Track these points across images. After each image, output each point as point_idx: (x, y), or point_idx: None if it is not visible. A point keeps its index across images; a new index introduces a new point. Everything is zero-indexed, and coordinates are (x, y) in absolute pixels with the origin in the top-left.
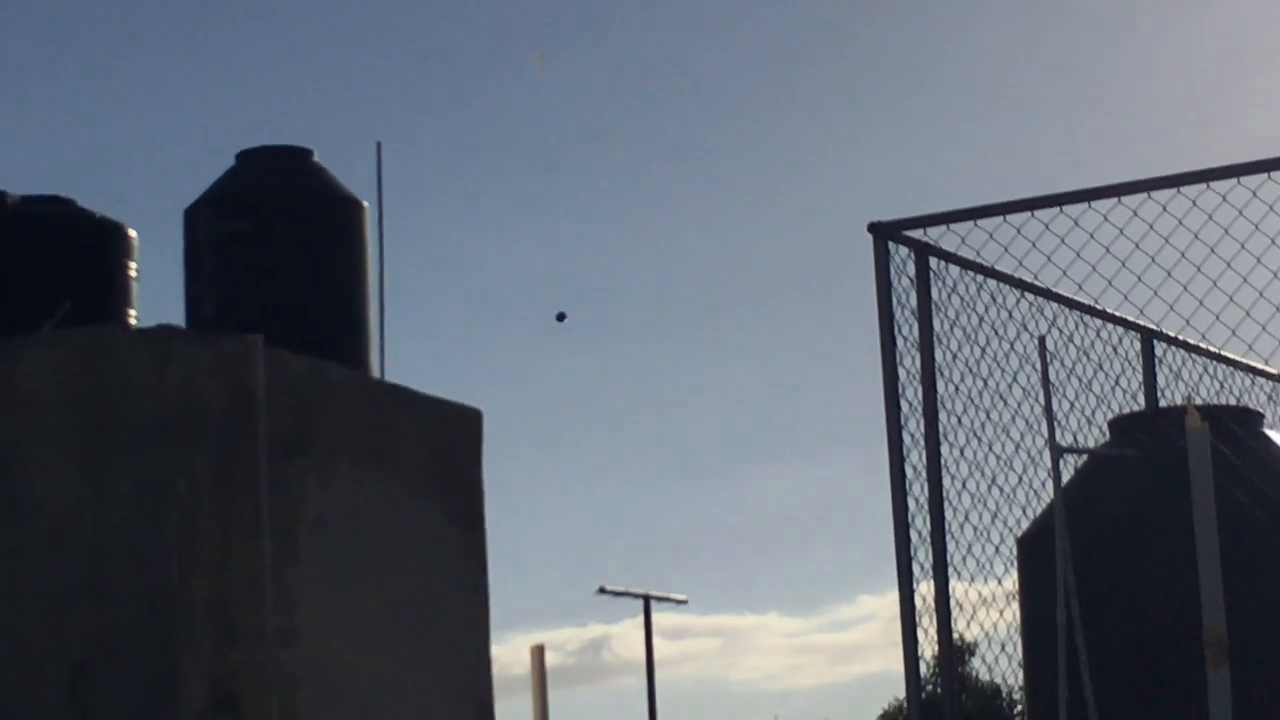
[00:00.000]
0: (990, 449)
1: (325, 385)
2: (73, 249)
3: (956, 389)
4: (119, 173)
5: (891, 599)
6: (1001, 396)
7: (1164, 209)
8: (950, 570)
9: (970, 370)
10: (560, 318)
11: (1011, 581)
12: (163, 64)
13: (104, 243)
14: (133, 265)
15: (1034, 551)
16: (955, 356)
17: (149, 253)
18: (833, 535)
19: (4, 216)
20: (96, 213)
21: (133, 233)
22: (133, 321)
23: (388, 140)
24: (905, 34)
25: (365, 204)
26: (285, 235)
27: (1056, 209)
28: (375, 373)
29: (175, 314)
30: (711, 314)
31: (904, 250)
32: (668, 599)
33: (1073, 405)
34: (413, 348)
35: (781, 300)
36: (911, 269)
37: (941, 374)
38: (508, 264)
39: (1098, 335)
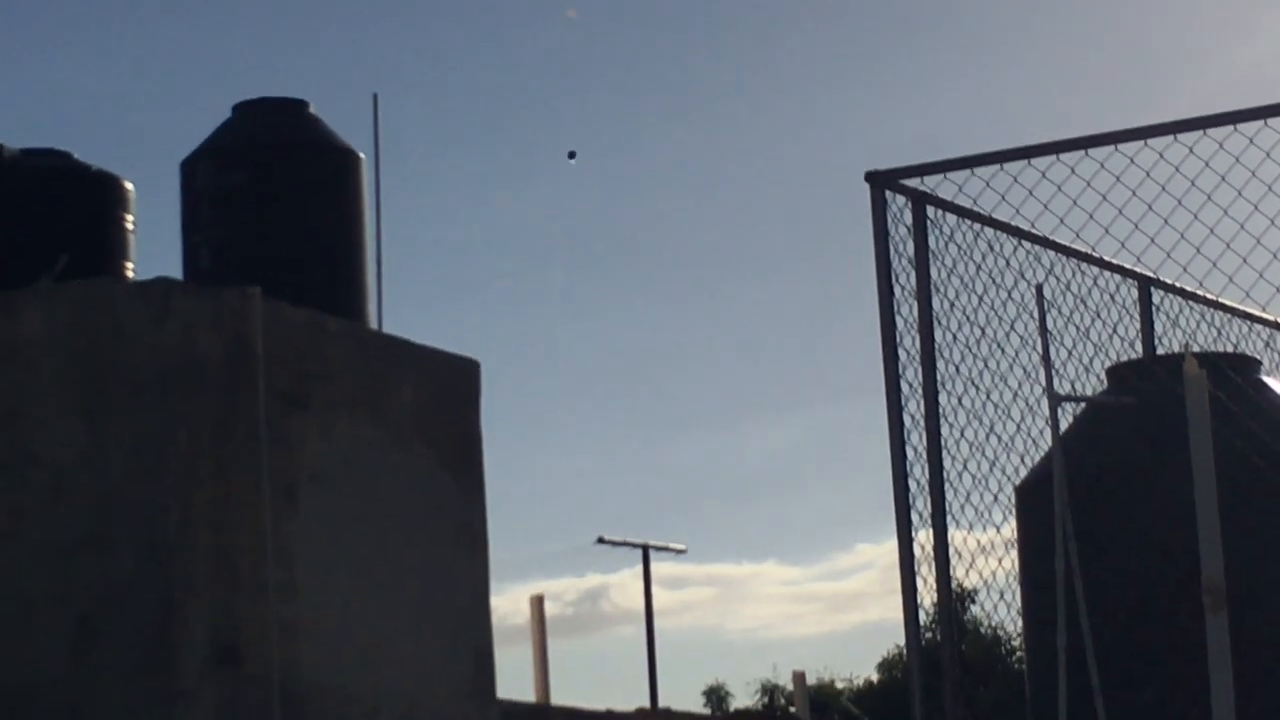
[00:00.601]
0: (988, 397)
1: (323, 337)
2: (70, 201)
3: (954, 337)
4: (115, 125)
5: (889, 547)
6: (999, 345)
7: (1160, 156)
8: (949, 519)
9: (968, 318)
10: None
11: (1010, 529)
12: (159, 15)
13: (101, 195)
14: (130, 218)
15: (1032, 500)
16: (953, 305)
17: (146, 205)
18: (830, 484)
19: (1, 170)
20: (93, 165)
21: (129, 185)
22: (130, 274)
23: (384, 91)
24: None
25: (362, 155)
26: (282, 187)
27: (1053, 156)
28: (373, 324)
29: (173, 267)
30: (710, 264)
31: (901, 199)
32: (666, 548)
33: (1070, 353)
34: (410, 299)
35: (779, 250)
36: (909, 217)
37: (939, 322)
38: (506, 215)
39: (1095, 283)
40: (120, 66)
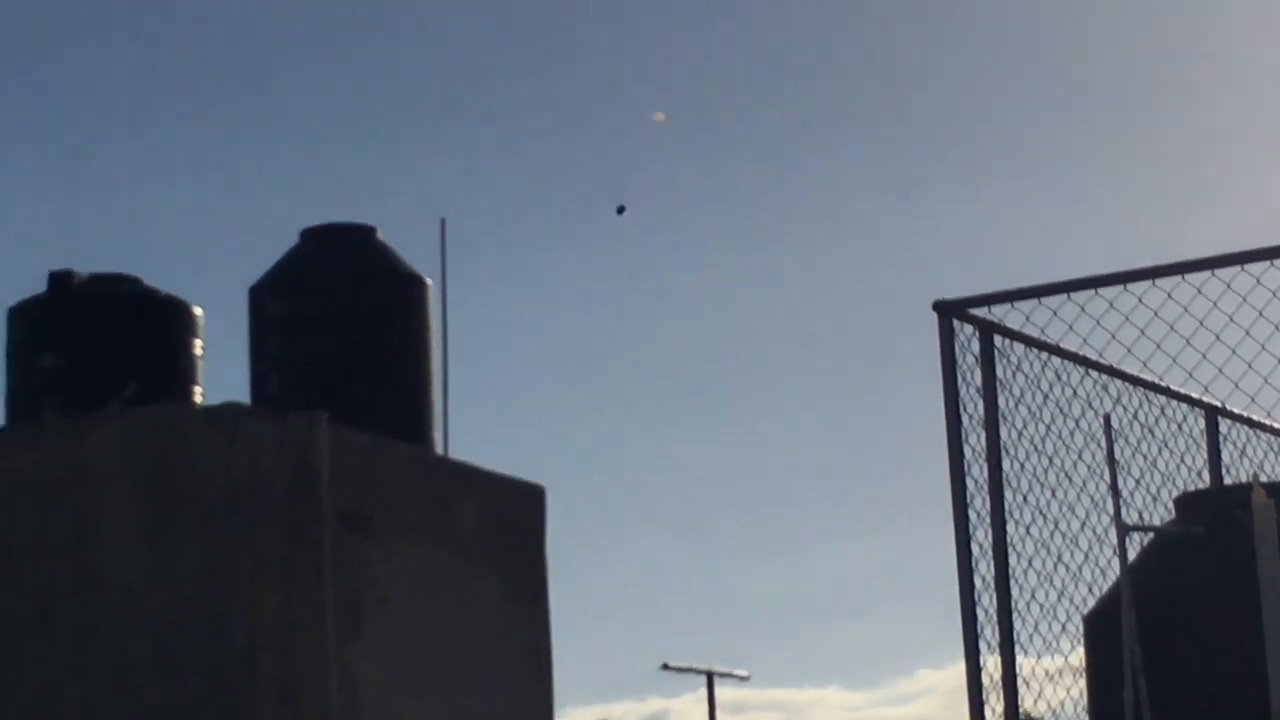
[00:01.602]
0: (1056, 527)
1: (389, 462)
2: (139, 327)
3: (1022, 466)
4: (184, 250)
5: (951, 673)
6: (1067, 474)
7: (1228, 286)
8: (1017, 647)
9: (1035, 448)
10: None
11: (1078, 658)
12: (227, 141)
13: (170, 320)
14: (198, 342)
15: (1100, 629)
16: (1020, 434)
17: (214, 330)
18: (893, 609)
19: (71, 294)
20: (162, 290)
21: (198, 310)
22: (199, 399)
23: (452, 216)
24: (967, 112)
25: (429, 280)
26: (349, 312)
27: (1120, 287)
28: (438, 449)
29: (240, 391)
30: (776, 389)
31: (969, 328)
32: (730, 675)
33: (1138, 483)
34: (476, 423)
35: (846, 376)
36: (976, 347)
37: (1007, 452)
38: (571, 339)
39: (1162, 412)
40: (188, 191)
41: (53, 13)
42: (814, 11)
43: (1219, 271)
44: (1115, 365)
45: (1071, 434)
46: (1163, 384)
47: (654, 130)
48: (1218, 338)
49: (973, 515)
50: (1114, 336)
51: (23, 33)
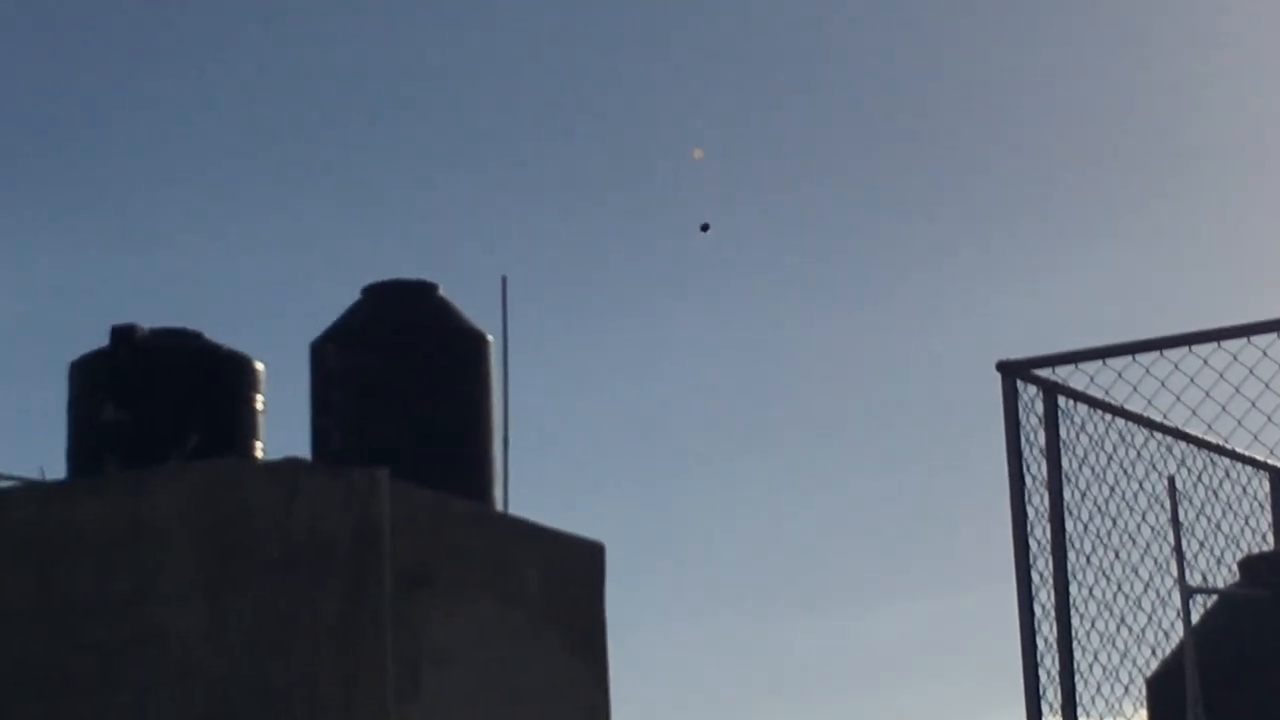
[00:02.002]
0: (1119, 588)
1: (449, 518)
2: (200, 381)
3: (1085, 528)
4: (247, 305)
5: None
6: (1130, 536)
7: None
8: (1079, 709)
9: (1099, 509)
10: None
11: None
12: (289, 197)
13: (231, 375)
14: (260, 397)
15: (1164, 691)
16: (1084, 495)
17: (276, 385)
18: (956, 670)
19: (133, 349)
20: (224, 345)
21: (260, 365)
22: (260, 454)
23: (514, 273)
24: (1032, 172)
25: (490, 337)
26: (410, 369)
27: (1185, 349)
28: (499, 505)
29: (301, 446)
30: (839, 448)
31: (1032, 389)
32: None
33: (1202, 545)
34: (537, 480)
35: (910, 437)
36: (1040, 407)
37: (1070, 513)
38: (632, 396)
39: (1227, 475)
40: (251, 246)
41: (114, 65)
42: (875, 75)
43: None
44: (1180, 427)
45: (1135, 496)
46: (1228, 446)
47: (717, 192)
48: None
49: (1035, 576)
50: (1179, 398)
51: (85, 86)
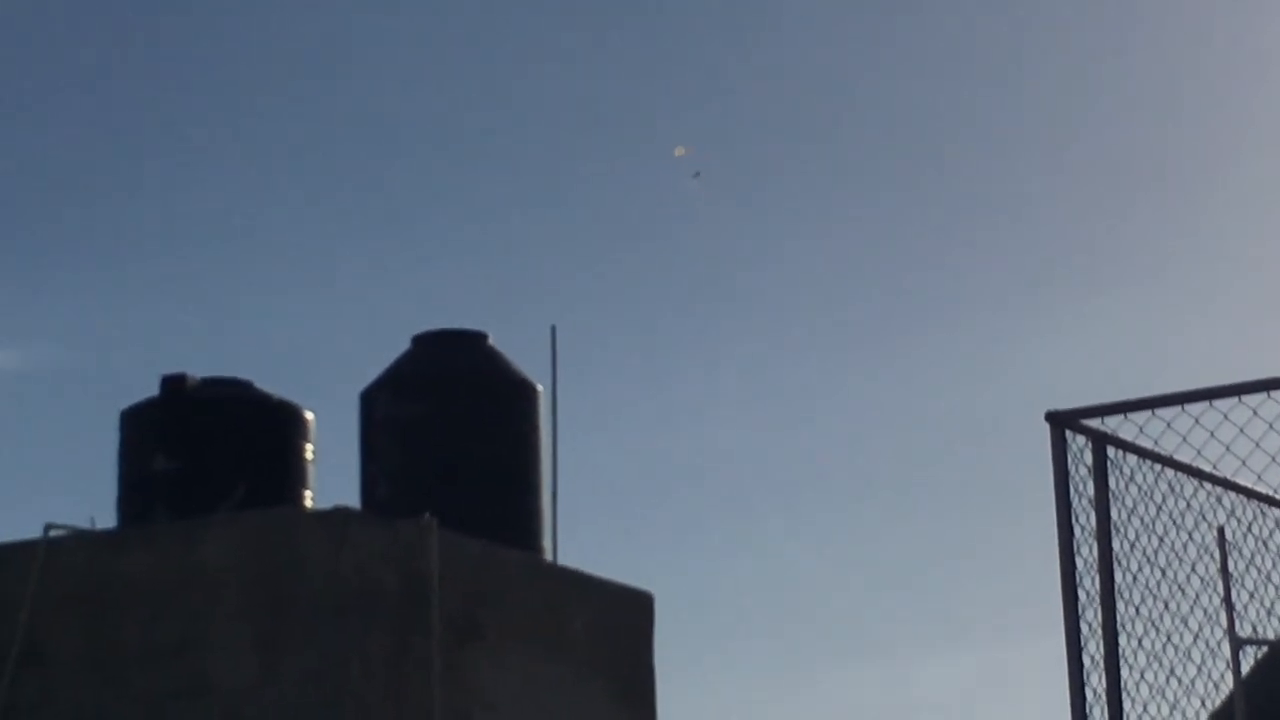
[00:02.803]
0: (1169, 640)
1: (498, 568)
2: (251, 431)
3: (1134, 579)
4: (296, 354)
5: None
6: (1180, 587)
7: None
8: None
9: (1148, 560)
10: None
11: None
12: (339, 245)
13: (281, 424)
14: (309, 446)
15: None
16: (1133, 546)
17: (325, 434)
18: None
19: (184, 398)
20: (274, 394)
21: (309, 414)
22: (309, 503)
23: (563, 322)
24: (1081, 220)
25: (539, 387)
26: (460, 418)
27: (1235, 399)
28: (548, 555)
29: (351, 494)
30: (887, 498)
31: (1081, 439)
32: None
33: (1252, 596)
34: (585, 530)
35: (958, 486)
36: (1089, 458)
37: (1119, 563)
38: (681, 447)
39: (1277, 525)
40: (300, 295)
41: (166, 115)
42: (921, 128)
43: None
44: (1229, 478)
45: (1185, 546)
46: (1278, 497)
47: (763, 243)
48: None
49: (1084, 627)
50: (1228, 449)
51: (137, 136)
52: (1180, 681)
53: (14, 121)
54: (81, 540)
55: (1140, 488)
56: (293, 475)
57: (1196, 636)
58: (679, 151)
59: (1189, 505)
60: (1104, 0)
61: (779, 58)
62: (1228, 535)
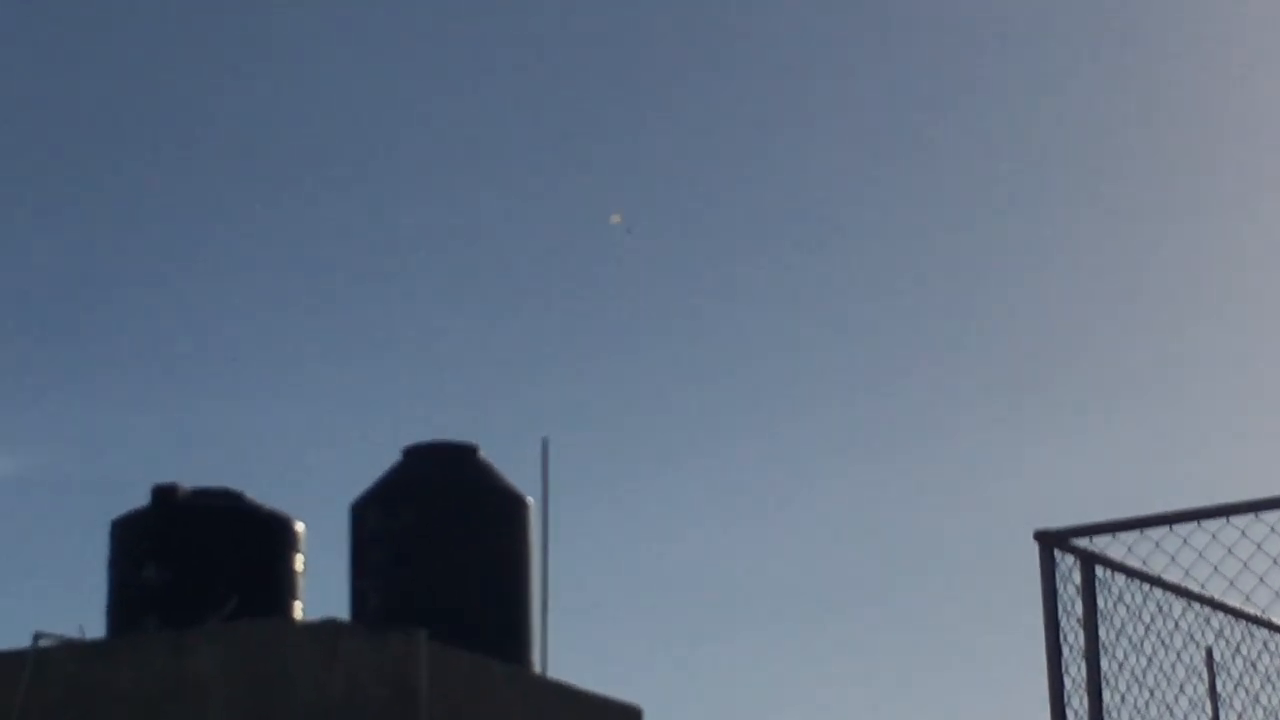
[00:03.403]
0: None
1: (488, 681)
2: (240, 541)
3: (1123, 699)
4: (286, 465)
5: None
6: (1169, 707)
7: None
8: None
9: (1137, 680)
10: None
11: None
12: (329, 356)
13: (271, 535)
14: (299, 558)
15: None
16: (1121, 666)
17: (315, 545)
18: None
19: (174, 508)
20: (265, 505)
21: (300, 525)
22: (299, 614)
23: (554, 435)
24: (1068, 340)
25: (529, 499)
26: (450, 530)
27: (1223, 519)
28: (537, 667)
29: (340, 606)
30: (872, 611)
31: (1070, 558)
32: None
33: (1240, 717)
34: (575, 642)
35: (945, 604)
36: (1078, 577)
37: (1108, 683)
38: (672, 560)
39: (1265, 646)
40: (290, 406)
41: (158, 223)
42: (916, 243)
43: None
44: (1218, 598)
45: (1173, 667)
46: (1265, 617)
47: (759, 352)
48: None
49: None
50: (1216, 569)
51: (129, 245)
52: None
53: (9, 230)
54: (70, 649)
55: (1129, 607)
56: (283, 586)
57: None
58: (615, 219)
59: (1177, 625)
60: (1114, 112)
61: (779, 165)
62: (1215, 656)
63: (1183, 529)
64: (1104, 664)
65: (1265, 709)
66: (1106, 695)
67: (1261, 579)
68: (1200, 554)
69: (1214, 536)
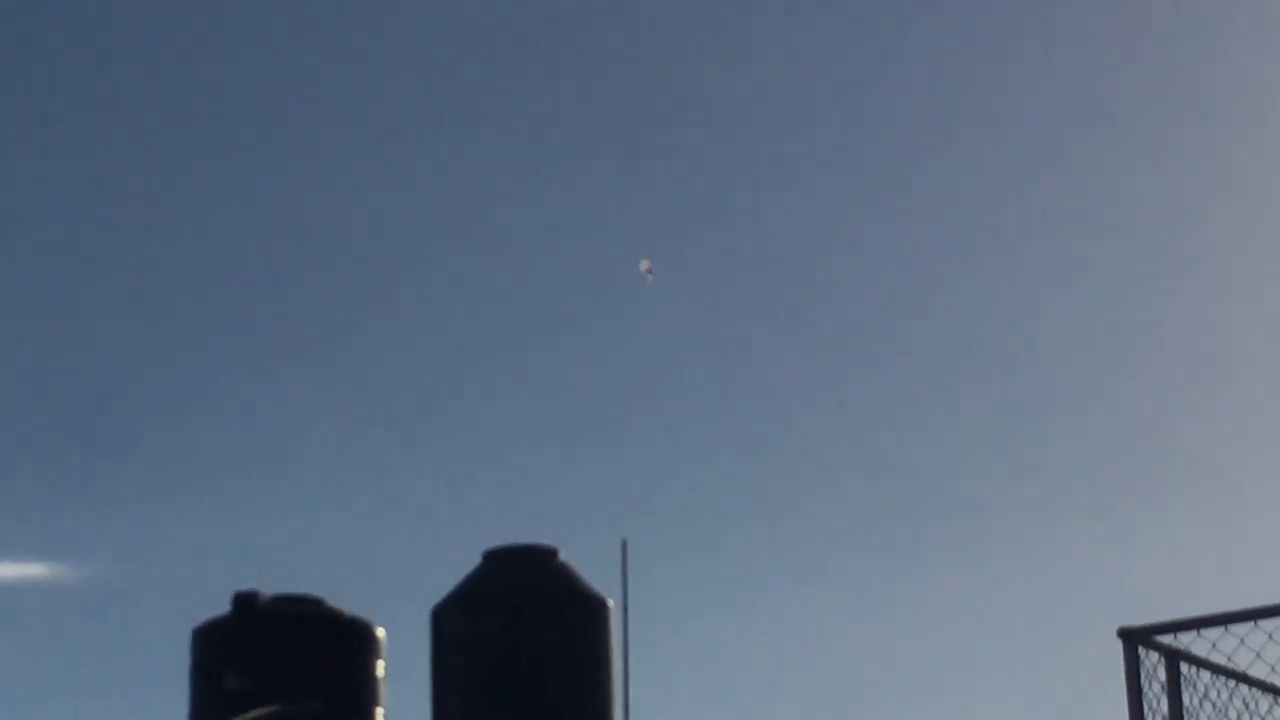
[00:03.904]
0: None
1: None
2: (322, 648)
3: None
4: (367, 570)
5: None
6: None
7: None
8: None
9: None
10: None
11: None
12: (409, 459)
13: (352, 641)
14: (381, 663)
15: None
16: None
17: (396, 650)
18: None
19: (256, 615)
20: (345, 611)
21: (381, 630)
22: None
23: (633, 537)
24: (1152, 432)
25: (610, 601)
26: (530, 634)
27: None
28: None
29: (422, 710)
30: (957, 712)
31: (1154, 655)
32: None
33: None
34: None
35: (1030, 702)
36: (1163, 674)
37: None
38: (755, 660)
39: None
40: (371, 510)
41: (233, 336)
42: (994, 344)
43: None
44: None
45: None
46: None
47: (837, 456)
48: None
49: None
50: None
51: (204, 357)
52: None
53: (92, 341)
54: None
55: (1215, 704)
56: (364, 692)
57: None
58: (644, 266)
59: None
60: (1170, 197)
61: (827, 243)
62: None
63: (1268, 624)
64: None
65: None
66: None
67: None
68: None
69: None
